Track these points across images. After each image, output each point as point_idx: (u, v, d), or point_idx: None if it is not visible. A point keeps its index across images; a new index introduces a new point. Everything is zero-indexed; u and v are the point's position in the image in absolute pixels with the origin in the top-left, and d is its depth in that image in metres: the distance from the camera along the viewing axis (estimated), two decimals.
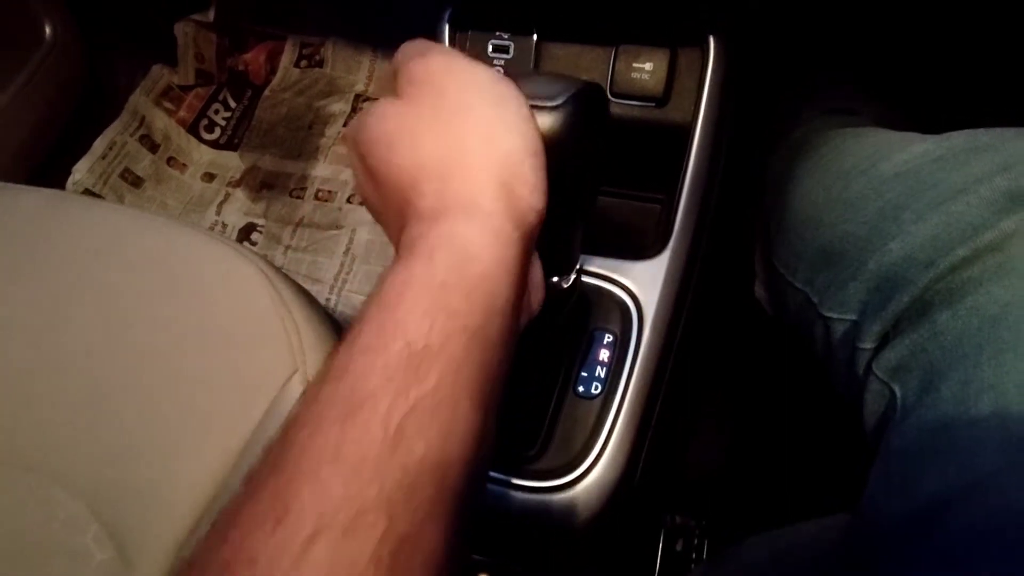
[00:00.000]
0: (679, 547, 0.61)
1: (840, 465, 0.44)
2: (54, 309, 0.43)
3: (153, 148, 0.91)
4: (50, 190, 0.52)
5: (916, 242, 0.30)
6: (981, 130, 0.32)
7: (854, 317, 0.33)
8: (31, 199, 0.49)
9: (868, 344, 0.32)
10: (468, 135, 0.25)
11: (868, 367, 0.32)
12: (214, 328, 0.42)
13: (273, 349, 0.41)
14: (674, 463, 0.67)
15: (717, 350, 0.67)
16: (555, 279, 0.39)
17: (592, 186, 0.33)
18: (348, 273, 0.82)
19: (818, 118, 0.51)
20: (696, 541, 0.62)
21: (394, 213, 0.27)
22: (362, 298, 0.81)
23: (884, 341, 0.31)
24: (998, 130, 0.32)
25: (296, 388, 0.40)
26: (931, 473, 0.25)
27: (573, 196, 0.32)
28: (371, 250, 0.83)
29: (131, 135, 0.90)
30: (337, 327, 0.47)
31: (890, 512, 0.26)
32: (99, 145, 0.88)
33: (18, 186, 0.51)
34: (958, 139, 0.33)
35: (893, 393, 0.30)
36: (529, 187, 0.25)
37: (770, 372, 0.67)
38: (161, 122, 0.92)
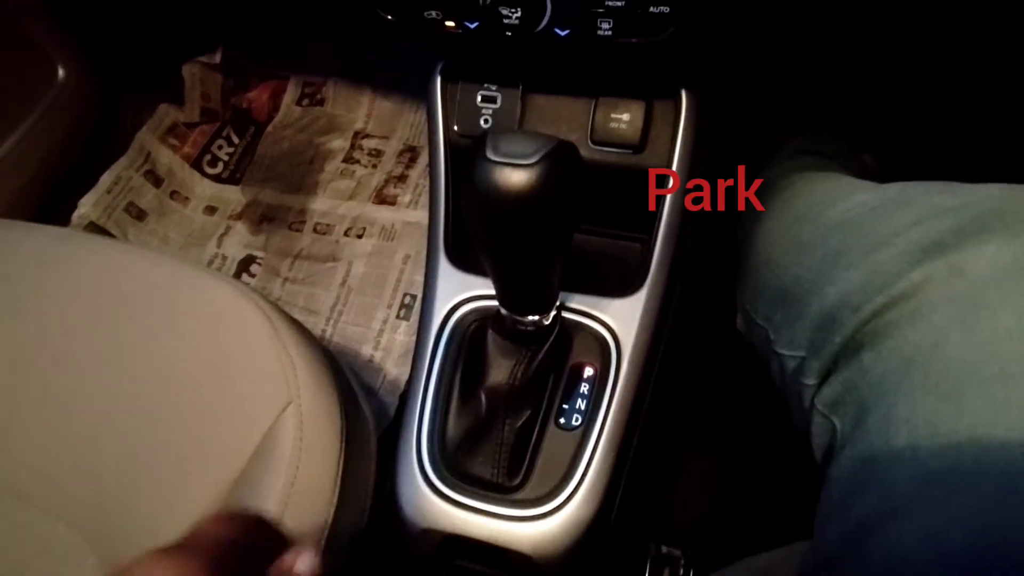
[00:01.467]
0: None
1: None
2: (57, 345, 0.45)
3: (157, 183, 0.94)
4: (56, 228, 0.54)
5: (848, 288, 0.33)
6: (912, 183, 0.35)
7: (802, 354, 0.36)
8: (37, 237, 0.51)
9: (812, 380, 0.35)
10: None
11: (812, 401, 0.35)
12: (213, 363, 0.44)
13: (269, 383, 0.43)
14: (658, 493, 0.68)
15: (701, 381, 0.69)
16: (536, 317, 0.41)
17: (567, 232, 0.36)
18: (344, 304, 0.85)
19: (788, 160, 0.54)
20: (682, 571, 0.63)
21: None
22: (357, 329, 0.83)
23: (825, 377, 0.34)
24: (924, 184, 0.34)
25: (290, 420, 0.42)
26: (860, 500, 0.27)
27: (550, 243, 0.35)
28: (366, 282, 0.86)
29: (136, 170, 0.93)
30: (331, 359, 0.49)
31: (829, 536, 0.28)
32: (105, 180, 0.91)
33: (25, 224, 0.53)
34: (892, 191, 0.36)
35: (834, 426, 0.32)
36: None
37: (753, 403, 0.69)
38: (165, 157, 0.95)
